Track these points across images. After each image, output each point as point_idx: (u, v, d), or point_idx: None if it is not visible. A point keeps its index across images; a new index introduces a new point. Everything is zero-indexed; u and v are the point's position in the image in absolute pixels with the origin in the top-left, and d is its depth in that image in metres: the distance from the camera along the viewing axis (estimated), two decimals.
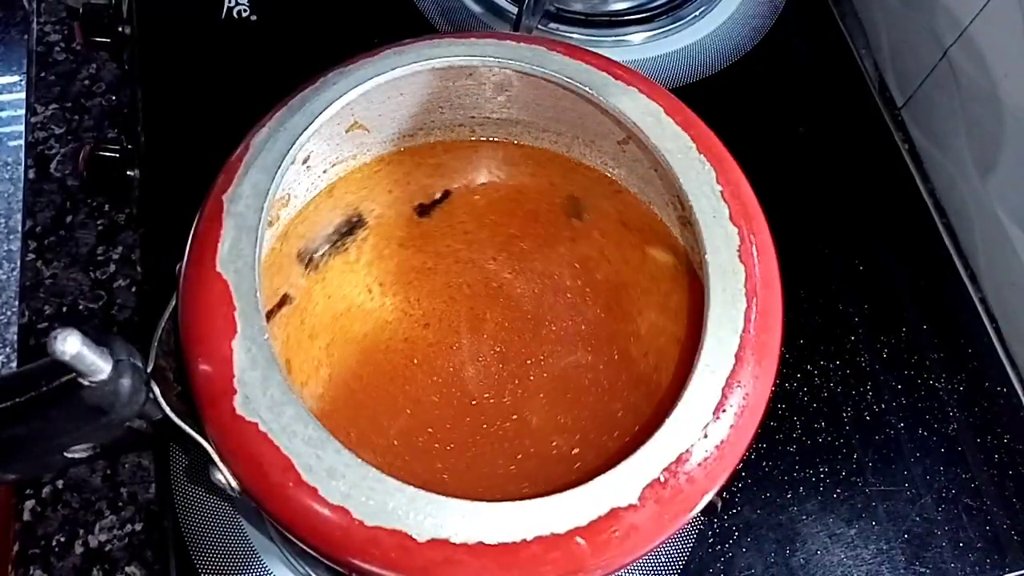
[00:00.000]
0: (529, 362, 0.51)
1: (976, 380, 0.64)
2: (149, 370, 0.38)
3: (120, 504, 0.56)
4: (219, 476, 0.37)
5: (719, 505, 0.57)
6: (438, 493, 0.34)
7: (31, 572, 0.54)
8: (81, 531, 0.55)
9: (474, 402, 0.49)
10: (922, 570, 0.57)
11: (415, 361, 0.50)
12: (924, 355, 0.64)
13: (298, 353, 0.48)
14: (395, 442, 0.47)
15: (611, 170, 0.51)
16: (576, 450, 0.47)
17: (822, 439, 0.60)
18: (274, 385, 0.36)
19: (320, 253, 0.50)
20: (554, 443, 0.47)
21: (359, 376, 0.49)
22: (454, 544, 0.34)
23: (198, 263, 0.39)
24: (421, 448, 0.47)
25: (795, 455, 0.60)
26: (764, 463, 0.59)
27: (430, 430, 0.48)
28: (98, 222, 0.64)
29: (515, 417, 0.49)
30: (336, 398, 0.48)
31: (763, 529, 0.57)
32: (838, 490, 0.59)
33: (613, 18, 0.74)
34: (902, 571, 0.57)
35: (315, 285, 0.49)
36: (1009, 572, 0.58)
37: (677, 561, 0.56)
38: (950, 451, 0.61)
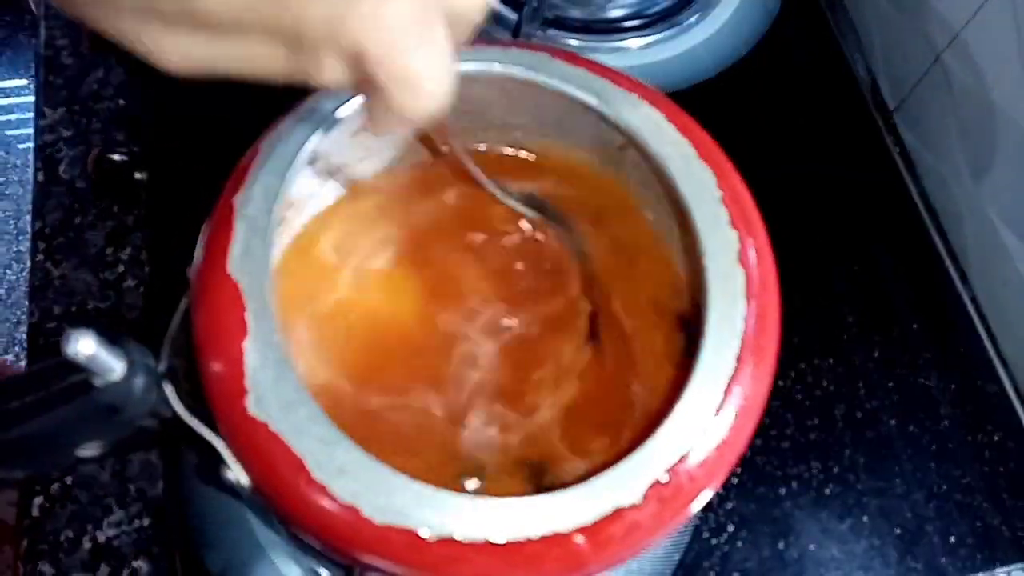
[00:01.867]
0: (526, 359, 0.51)
1: (967, 379, 0.65)
2: (161, 370, 0.39)
3: (128, 500, 0.56)
4: (230, 475, 0.38)
5: (714, 501, 0.58)
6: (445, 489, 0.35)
7: (39, 567, 0.54)
8: (89, 527, 0.55)
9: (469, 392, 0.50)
10: (914, 565, 0.58)
11: (417, 359, 0.51)
12: (916, 354, 0.65)
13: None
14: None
15: (611, 176, 0.51)
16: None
17: (815, 436, 0.61)
18: (285, 385, 0.36)
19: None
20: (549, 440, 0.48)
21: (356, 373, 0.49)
22: (461, 542, 0.34)
23: (210, 266, 0.40)
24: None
25: (789, 451, 0.61)
26: (758, 459, 0.60)
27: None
28: (107, 223, 0.64)
29: (514, 414, 0.49)
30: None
31: (757, 524, 0.58)
32: (831, 486, 0.60)
33: (611, 25, 0.74)
34: (894, 566, 0.58)
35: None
36: (999, 567, 0.59)
37: (673, 555, 0.56)
38: (941, 448, 0.62)
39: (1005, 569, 0.59)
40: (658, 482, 0.36)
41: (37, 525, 0.55)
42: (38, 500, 0.56)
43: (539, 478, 0.46)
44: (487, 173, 0.51)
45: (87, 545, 0.55)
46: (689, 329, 0.47)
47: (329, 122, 0.44)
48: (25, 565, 0.54)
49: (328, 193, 0.50)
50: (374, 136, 0.47)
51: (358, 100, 0.44)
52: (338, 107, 0.44)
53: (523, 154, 0.53)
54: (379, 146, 0.50)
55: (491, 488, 0.45)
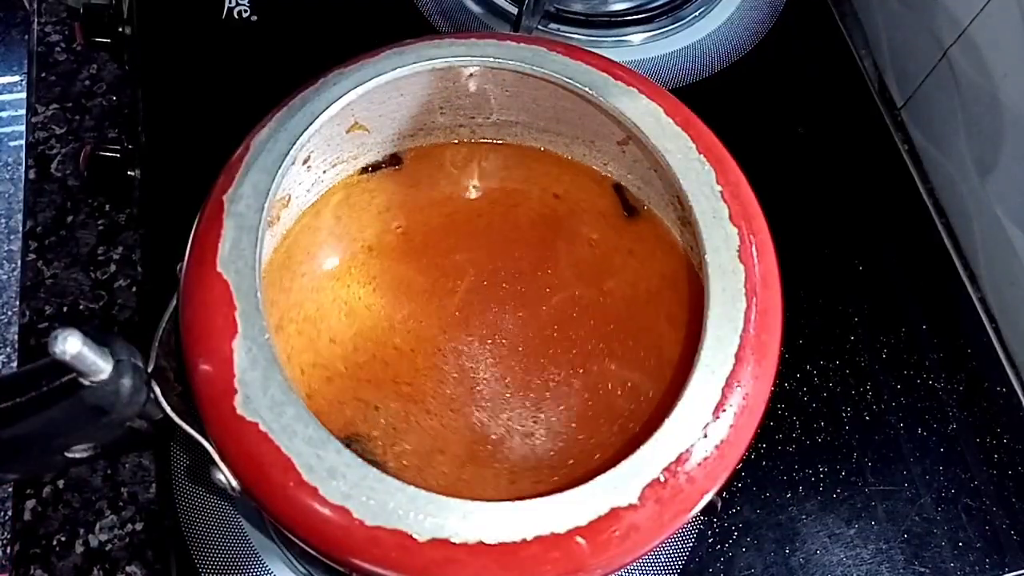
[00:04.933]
0: (526, 362, 0.51)
1: (975, 380, 0.64)
2: (150, 370, 0.38)
3: (121, 504, 0.56)
4: (220, 476, 0.37)
5: (719, 505, 0.57)
6: (437, 492, 0.35)
7: (32, 571, 0.54)
8: (82, 531, 0.55)
9: (466, 401, 0.49)
10: (921, 570, 0.57)
11: (411, 361, 0.50)
12: (923, 355, 0.64)
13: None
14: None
15: (611, 171, 0.51)
16: (571, 451, 0.47)
17: (821, 439, 0.61)
18: (275, 385, 0.36)
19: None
20: (550, 441, 0.48)
21: (350, 372, 0.49)
22: (454, 544, 0.34)
23: (199, 263, 0.39)
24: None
25: (794, 455, 0.60)
26: (764, 463, 0.59)
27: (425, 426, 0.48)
28: (99, 222, 0.64)
29: (510, 418, 0.49)
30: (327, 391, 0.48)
31: (763, 529, 0.57)
32: (837, 490, 0.59)
33: (613, 19, 0.74)
34: (901, 571, 0.57)
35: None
36: (1008, 572, 0.58)
37: (677, 561, 0.56)
38: (949, 451, 0.61)
39: (1014, 574, 0.58)
40: (655, 482, 0.35)
41: (29, 529, 0.55)
42: (30, 504, 0.55)
43: None
44: (485, 167, 0.50)
45: (79, 549, 0.54)
46: (689, 326, 0.46)
47: (321, 118, 0.43)
48: (17, 569, 0.54)
49: (320, 190, 0.50)
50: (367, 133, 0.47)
51: (349, 97, 0.44)
52: (331, 104, 0.43)
53: (523, 148, 0.53)
54: (372, 143, 0.50)
55: None
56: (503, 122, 0.51)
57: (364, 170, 0.51)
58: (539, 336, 0.51)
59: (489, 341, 0.50)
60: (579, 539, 0.34)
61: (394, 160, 0.51)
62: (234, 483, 0.37)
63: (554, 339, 0.51)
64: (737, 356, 0.38)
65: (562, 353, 0.50)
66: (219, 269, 0.39)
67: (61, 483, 0.56)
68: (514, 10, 0.72)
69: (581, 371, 0.49)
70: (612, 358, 0.49)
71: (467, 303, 0.52)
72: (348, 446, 0.36)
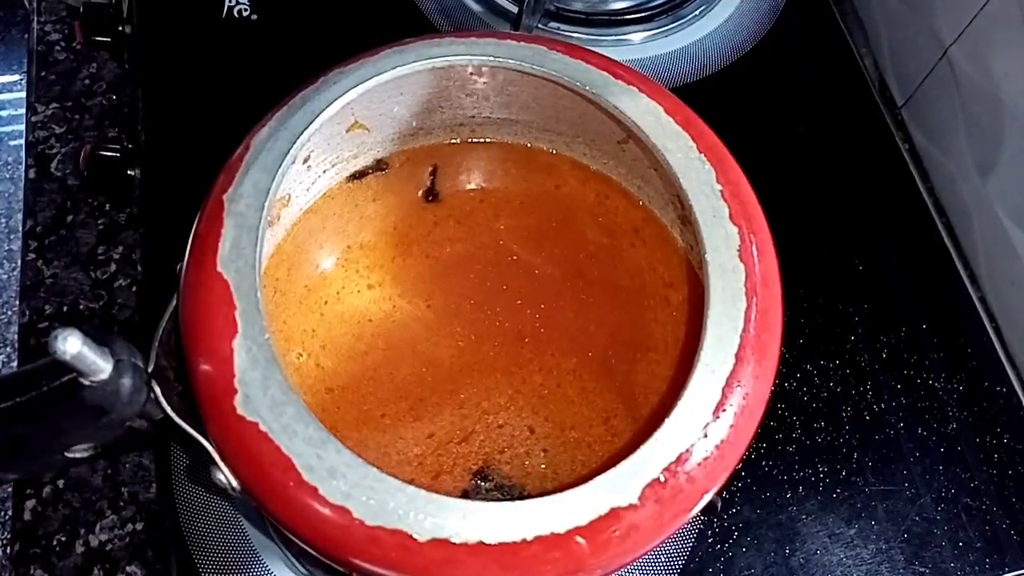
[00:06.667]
0: (524, 363, 0.51)
1: (975, 380, 0.64)
2: (150, 370, 0.38)
3: (121, 504, 0.56)
4: (220, 476, 0.37)
5: (719, 505, 0.57)
6: (435, 491, 0.35)
7: (32, 571, 0.54)
8: (82, 530, 0.55)
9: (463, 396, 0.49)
10: (921, 570, 0.57)
11: (412, 356, 0.50)
12: (924, 355, 0.64)
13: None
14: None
15: (611, 170, 0.51)
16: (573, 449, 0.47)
17: (821, 439, 0.60)
18: (275, 385, 0.36)
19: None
20: (547, 440, 0.48)
21: (353, 365, 0.49)
22: (454, 544, 0.34)
23: (199, 263, 0.39)
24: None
25: (794, 455, 0.60)
26: (764, 463, 0.59)
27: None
28: (99, 221, 0.64)
29: (509, 417, 0.49)
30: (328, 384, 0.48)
31: (763, 529, 0.57)
32: (837, 490, 0.59)
33: (613, 17, 0.74)
34: (901, 571, 0.57)
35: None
36: (1008, 572, 0.58)
37: (676, 561, 0.56)
38: (949, 451, 0.61)
39: (1014, 574, 0.58)
40: (655, 482, 0.35)
41: (29, 529, 0.54)
42: (30, 503, 0.55)
43: None
44: (486, 167, 0.50)
45: (79, 549, 0.54)
46: (689, 325, 0.46)
47: (322, 117, 0.43)
48: (17, 569, 0.54)
49: (320, 189, 0.50)
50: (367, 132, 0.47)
51: (350, 96, 0.44)
52: (331, 103, 0.43)
53: (523, 148, 0.53)
54: (372, 142, 0.50)
55: None
56: (503, 121, 0.51)
57: (353, 176, 0.51)
58: (537, 333, 0.51)
59: (489, 337, 0.50)
60: (579, 539, 0.34)
61: (382, 165, 0.51)
62: (234, 483, 0.37)
63: (551, 337, 0.51)
64: (737, 356, 0.38)
65: (558, 351, 0.50)
66: (219, 269, 0.38)
67: (61, 483, 0.56)
68: (514, 9, 0.72)
69: (576, 371, 0.49)
70: (611, 356, 0.49)
71: (473, 305, 0.52)
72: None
